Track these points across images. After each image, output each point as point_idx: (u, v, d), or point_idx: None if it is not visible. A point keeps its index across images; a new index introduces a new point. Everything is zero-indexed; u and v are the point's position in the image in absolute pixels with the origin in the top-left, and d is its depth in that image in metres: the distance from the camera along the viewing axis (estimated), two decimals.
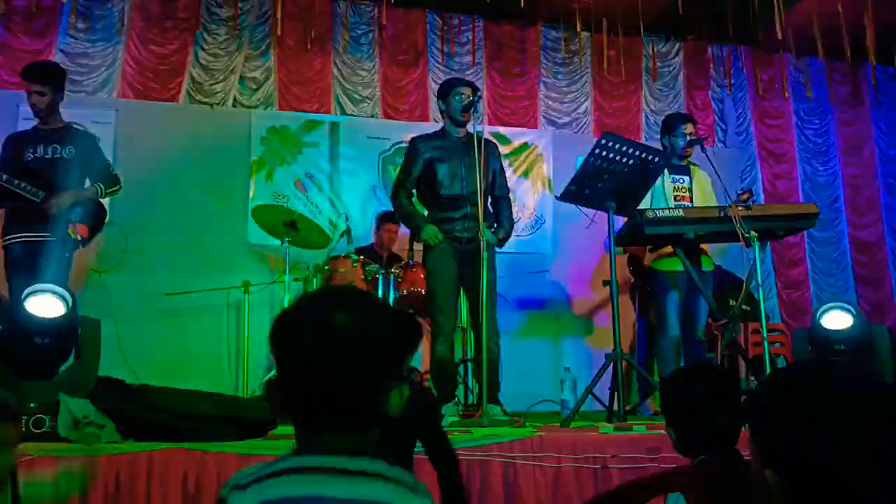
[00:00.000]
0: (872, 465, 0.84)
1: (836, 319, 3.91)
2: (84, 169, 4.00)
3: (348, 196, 6.01)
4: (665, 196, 4.11)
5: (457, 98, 3.88)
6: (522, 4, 5.70)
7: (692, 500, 1.29)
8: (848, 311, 3.93)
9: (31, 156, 3.89)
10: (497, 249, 3.97)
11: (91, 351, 3.01)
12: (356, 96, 6.30)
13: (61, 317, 3.01)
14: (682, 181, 4.20)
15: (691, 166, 4.27)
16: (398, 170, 4.14)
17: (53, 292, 3.12)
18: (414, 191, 3.99)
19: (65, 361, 3.09)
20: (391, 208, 5.50)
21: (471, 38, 6.62)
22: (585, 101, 6.84)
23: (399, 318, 1.07)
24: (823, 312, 3.96)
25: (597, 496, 1.38)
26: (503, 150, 5.20)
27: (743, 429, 1.68)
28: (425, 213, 4.00)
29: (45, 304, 3.05)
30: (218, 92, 5.98)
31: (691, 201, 4.13)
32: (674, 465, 1.93)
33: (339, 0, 6.37)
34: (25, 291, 3.10)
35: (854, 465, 0.84)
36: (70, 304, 3.10)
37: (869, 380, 0.91)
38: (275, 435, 2.80)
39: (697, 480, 1.30)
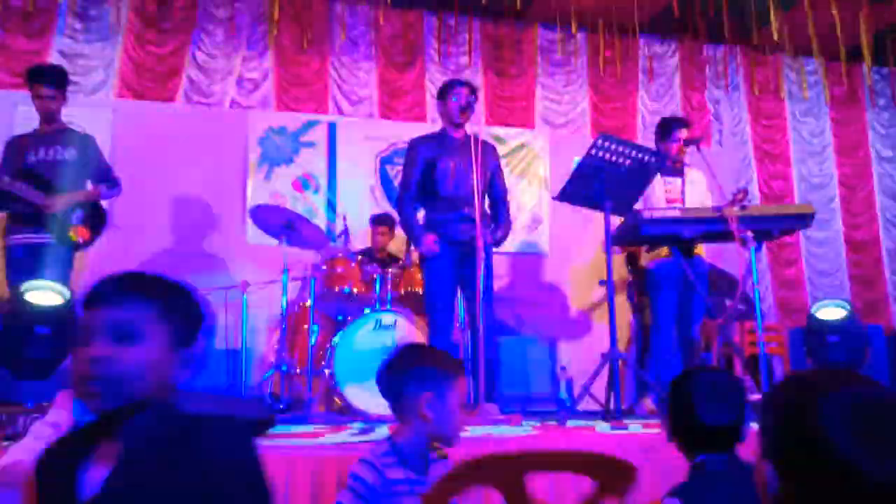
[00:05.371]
0: (885, 475, 0.83)
1: (831, 313, 4.56)
2: (84, 171, 4.01)
3: (346, 196, 6.02)
4: (656, 197, 4.13)
5: (454, 98, 3.89)
6: (519, 5, 5.72)
7: None
8: (841, 306, 4.57)
9: (33, 158, 3.90)
10: (494, 249, 3.99)
11: None
12: (353, 97, 6.31)
13: (61, 306, 3.06)
14: (673, 183, 4.22)
15: (684, 167, 4.29)
16: (400, 176, 4.13)
17: (52, 288, 3.19)
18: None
19: (63, 360, 3.12)
20: (385, 210, 5.53)
21: (467, 38, 6.63)
22: (582, 101, 6.86)
23: None
24: (819, 307, 4.65)
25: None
26: (500, 150, 5.22)
27: (748, 430, 1.69)
28: (423, 213, 4.01)
29: (44, 296, 3.13)
30: (215, 93, 5.99)
31: (683, 202, 4.15)
32: (671, 465, 1.94)
33: (336, 1, 6.38)
34: (24, 286, 3.16)
35: (865, 474, 0.83)
36: (68, 297, 3.15)
37: (885, 390, 0.89)
38: (274, 434, 2.81)
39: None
